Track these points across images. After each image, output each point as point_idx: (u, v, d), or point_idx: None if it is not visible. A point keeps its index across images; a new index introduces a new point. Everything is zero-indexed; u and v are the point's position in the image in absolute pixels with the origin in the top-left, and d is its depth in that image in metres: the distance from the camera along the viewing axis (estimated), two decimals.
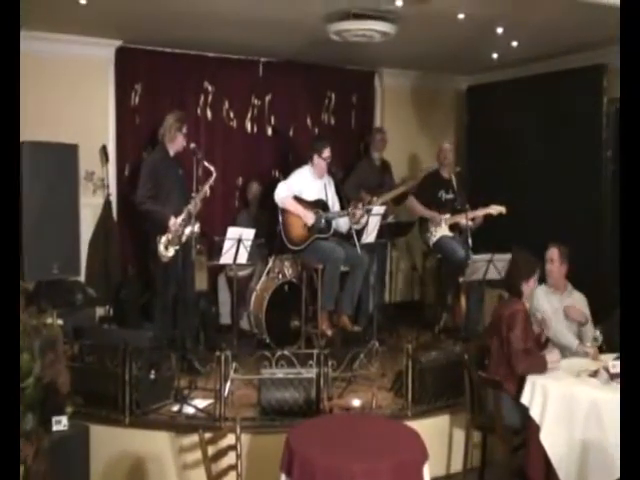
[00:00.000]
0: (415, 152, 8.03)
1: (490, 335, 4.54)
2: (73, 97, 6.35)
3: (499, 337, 4.42)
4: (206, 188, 5.51)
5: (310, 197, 6.07)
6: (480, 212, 6.30)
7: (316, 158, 6.04)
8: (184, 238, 5.41)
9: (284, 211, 5.97)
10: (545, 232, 6.57)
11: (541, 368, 4.29)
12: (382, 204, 6.35)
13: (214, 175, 5.43)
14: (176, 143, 5.62)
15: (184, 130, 5.64)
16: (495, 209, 6.24)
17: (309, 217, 5.98)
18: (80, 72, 6.39)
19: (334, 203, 6.20)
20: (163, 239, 5.39)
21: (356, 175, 6.92)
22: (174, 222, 5.40)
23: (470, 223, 6.19)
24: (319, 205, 6.08)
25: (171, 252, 5.41)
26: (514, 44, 6.21)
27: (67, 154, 5.72)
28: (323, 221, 6.03)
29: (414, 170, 7.86)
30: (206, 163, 5.37)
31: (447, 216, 6.47)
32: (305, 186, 6.06)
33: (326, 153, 6.03)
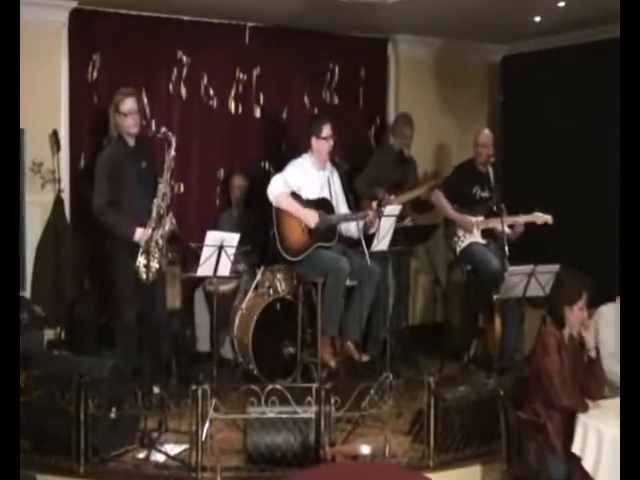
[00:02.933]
0: (438, 139, 8.07)
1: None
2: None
3: (530, 366, 4.49)
4: (168, 164, 5.45)
5: (311, 194, 6.05)
6: (521, 219, 6.33)
7: (314, 141, 6.03)
8: (161, 242, 5.44)
9: (279, 211, 5.94)
10: (598, 238, 6.62)
11: (583, 409, 4.32)
12: (400, 205, 6.33)
13: (174, 144, 5.41)
14: (124, 127, 5.59)
15: (125, 107, 5.56)
16: (539, 218, 6.24)
17: (311, 217, 5.94)
18: (26, 40, 6.23)
19: (339, 201, 6.20)
20: (141, 261, 5.39)
21: (371, 167, 6.98)
22: (141, 234, 5.42)
23: (508, 230, 6.21)
24: (322, 205, 6.05)
25: (155, 266, 5.42)
26: (561, 4, 6.24)
27: None
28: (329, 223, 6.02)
29: (439, 162, 7.89)
30: (160, 133, 5.43)
31: (480, 219, 6.50)
32: (305, 180, 6.04)
33: (326, 131, 6.01)
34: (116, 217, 5.50)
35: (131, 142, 5.66)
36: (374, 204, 6.05)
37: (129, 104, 5.60)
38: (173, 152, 5.44)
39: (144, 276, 5.38)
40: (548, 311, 4.70)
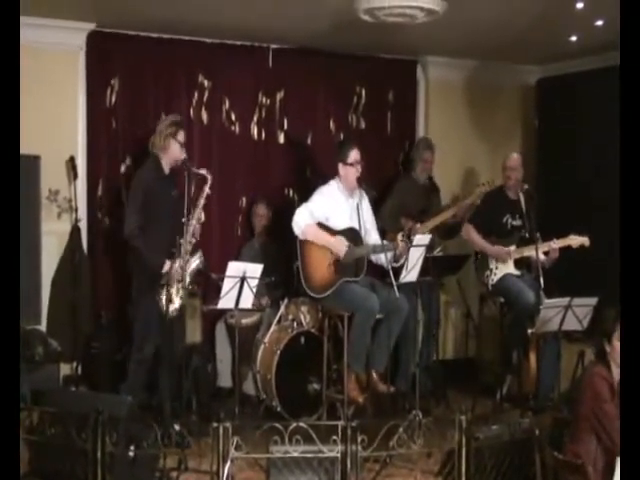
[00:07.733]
0: (470, 165, 8.13)
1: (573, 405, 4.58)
2: (33, 96, 6.43)
3: (578, 408, 4.47)
4: (202, 201, 5.66)
5: (340, 223, 6.05)
6: (556, 244, 6.34)
7: (341, 167, 6.08)
8: (188, 279, 5.58)
9: (304, 245, 5.98)
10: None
11: None
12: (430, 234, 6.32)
13: (209, 181, 5.60)
14: (170, 154, 5.76)
15: (180, 137, 5.78)
16: (575, 240, 6.28)
17: (341, 246, 5.95)
18: (42, 64, 6.50)
19: (369, 229, 6.20)
20: (164, 294, 5.51)
21: (394, 198, 7.05)
22: (169, 268, 5.54)
23: (543, 257, 6.23)
24: (349, 235, 6.04)
25: (177, 302, 5.55)
26: (598, 23, 6.25)
27: (25, 168, 5.85)
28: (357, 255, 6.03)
29: (471, 188, 7.89)
30: (196, 169, 5.61)
31: (513, 248, 6.54)
32: (334, 209, 6.07)
33: (353, 157, 6.05)
34: (147, 244, 5.63)
35: (167, 169, 5.81)
36: (399, 236, 6.04)
37: (183, 135, 5.82)
38: (208, 190, 5.65)
39: (164, 310, 5.49)
40: (595, 352, 4.66)
